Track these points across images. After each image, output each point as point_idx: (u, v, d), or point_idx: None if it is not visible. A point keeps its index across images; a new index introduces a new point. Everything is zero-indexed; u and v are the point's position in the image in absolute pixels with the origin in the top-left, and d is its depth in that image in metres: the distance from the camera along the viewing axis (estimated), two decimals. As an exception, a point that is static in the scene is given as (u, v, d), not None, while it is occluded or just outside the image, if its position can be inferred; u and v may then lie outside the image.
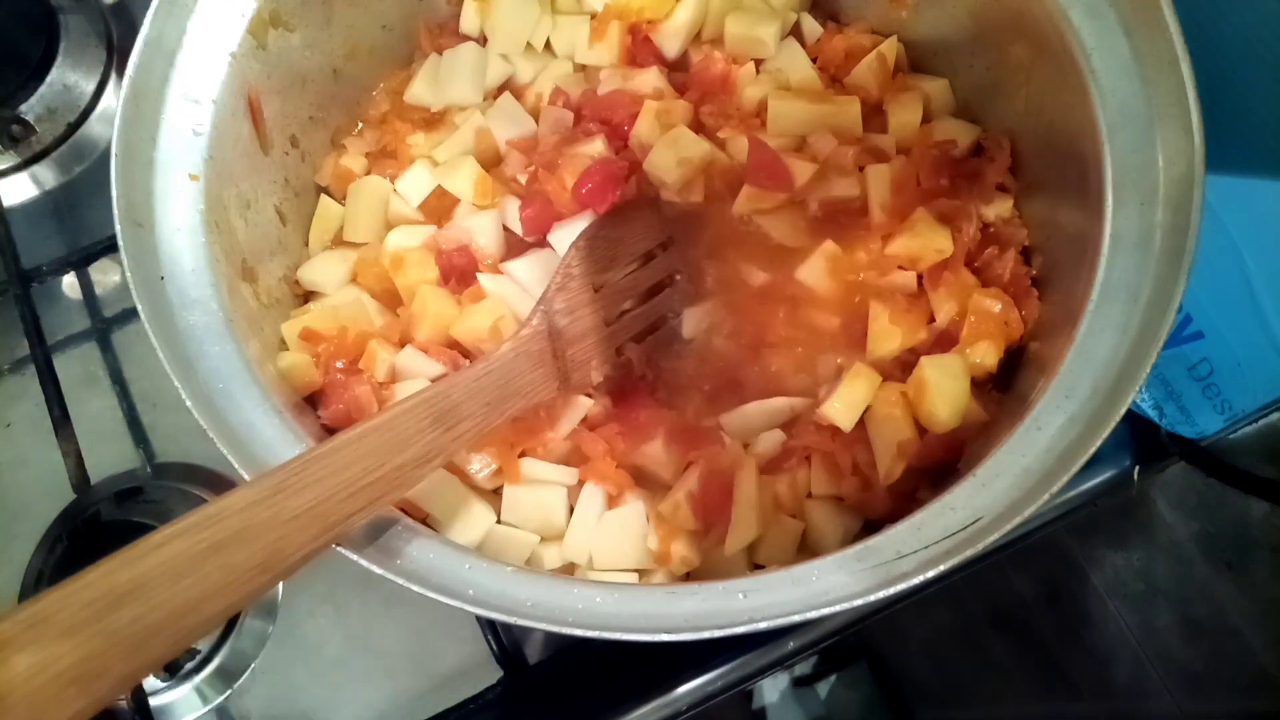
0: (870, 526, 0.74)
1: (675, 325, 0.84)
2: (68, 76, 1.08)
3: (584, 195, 0.80)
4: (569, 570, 0.75)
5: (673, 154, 0.81)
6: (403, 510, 0.64)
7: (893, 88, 0.86)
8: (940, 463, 0.73)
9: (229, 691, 0.86)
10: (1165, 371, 0.84)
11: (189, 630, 0.47)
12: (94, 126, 1.08)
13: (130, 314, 0.99)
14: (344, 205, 0.85)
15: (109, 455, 0.93)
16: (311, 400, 0.76)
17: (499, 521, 0.73)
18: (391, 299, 0.82)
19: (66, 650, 0.42)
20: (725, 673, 0.83)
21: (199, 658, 0.86)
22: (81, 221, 1.04)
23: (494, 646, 0.82)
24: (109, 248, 0.97)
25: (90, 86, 1.09)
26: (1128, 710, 1.22)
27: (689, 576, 0.73)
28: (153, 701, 0.82)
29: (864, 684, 1.83)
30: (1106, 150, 0.65)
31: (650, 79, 0.86)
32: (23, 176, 1.06)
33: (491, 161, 0.87)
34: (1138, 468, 0.88)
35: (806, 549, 0.74)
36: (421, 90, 0.89)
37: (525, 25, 0.88)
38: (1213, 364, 0.81)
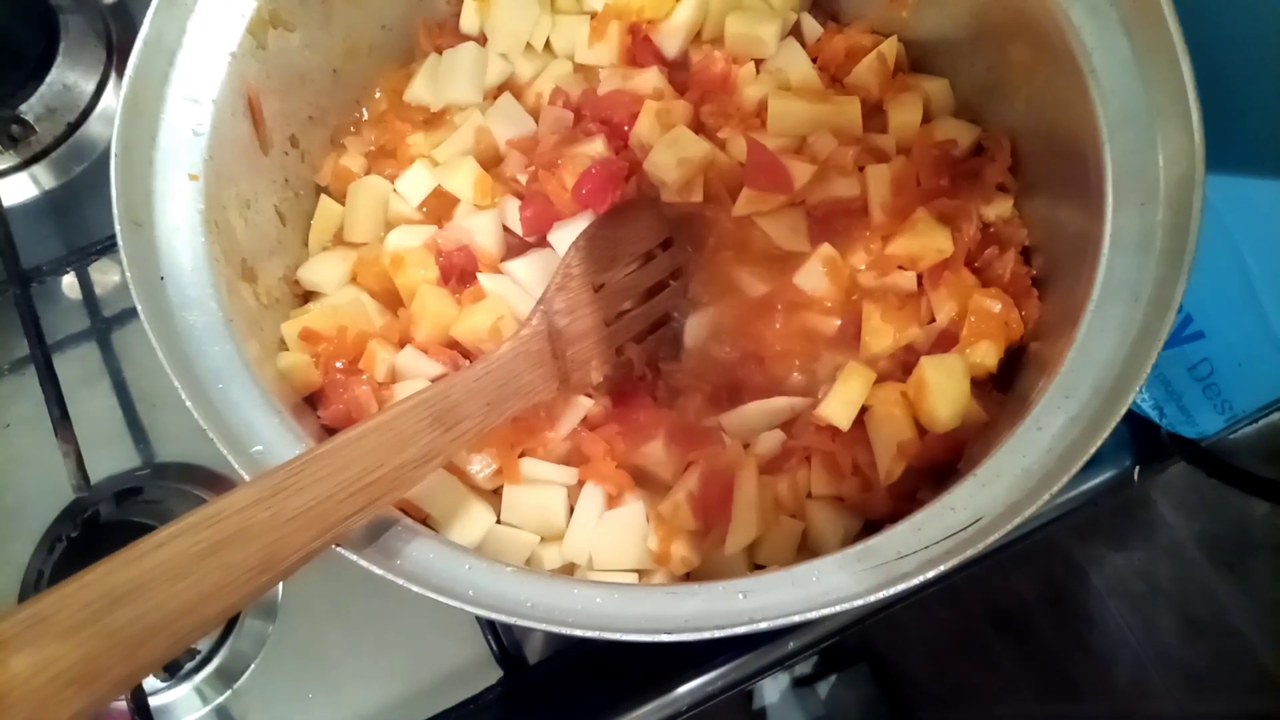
0: (870, 527, 0.74)
1: (676, 326, 0.84)
2: (67, 76, 1.08)
3: (584, 195, 0.80)
4: (569, 570, 0.75)
5: (673, 154, 0.81)
6: (403, 510, 0.64)
7: (893, 88, 0.86)
8: (940, 463, 0.73)
9: (229, 691, 0.86)
10: (1166, 371, 0.84)
11: (188, 630, 0.47)
12: (94, 126, 1.08)
13: (130, 314, 0.99)
14: (344, 205, 0.85)
15: (109, 455, 0.93)
16: (311, 400, 0.76)
17: (499, 522, 0.73)
18: (391, 299, 0.82)
19: (66, 650, 0.42)
20: (725, 673, 0.83)
21: (199, 658, 0.86)
22: (81, 221, 1.03)
23: (494, 646, 0.82)
24: (109, 248, 0.97)
25: (90, 86, 1.09)
26: (1128, 710, 1.22)
27: (689, 577, 0.73)
28: (153, 701, 0.82)
29: (864, 684, 1.83)
30: (1107, 150, 0.65)
31: (650, 79, 0.86)
32: (22, 176, 1.06)
33: (491, 161, 0.87)
34: (1138, 468, 0.88)
35: (806, 549, 0.74)
36: (421, 90, 0.89)
37: (525, 25, 0.88)
38: (1213, 364, 0.81)
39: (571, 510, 0.75)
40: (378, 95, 0.91)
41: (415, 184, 0.84)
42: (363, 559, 0.56)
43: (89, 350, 0.98)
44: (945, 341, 0.76)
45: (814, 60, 0.88)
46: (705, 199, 0.83)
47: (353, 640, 0.87)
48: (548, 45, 0.90)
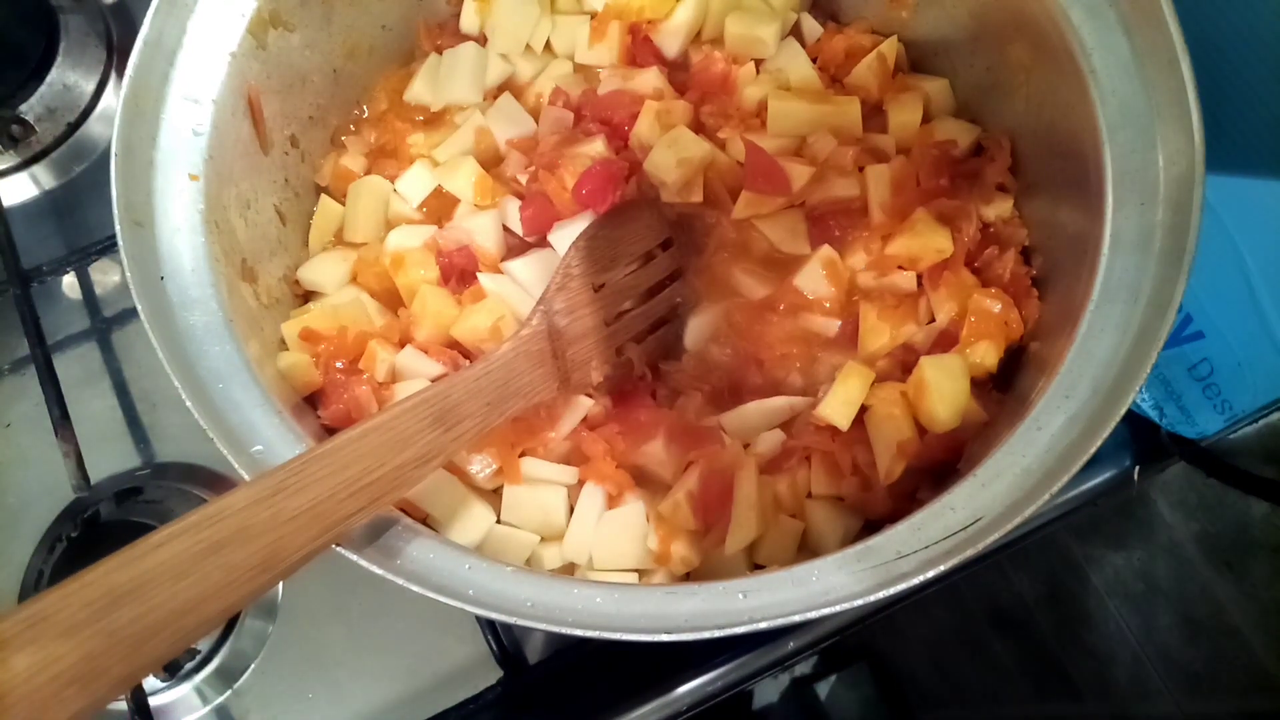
0: (870, 526, 0.74)
1: (676, 327, 0.84)
2: (68, 76, 1.08)
3: (584, 195, 0.80)
4: (569, 570, 0.75)
5: (673, 154, 0.81)
6: (403, 510, 0.64)
7: (893, 88, 0.86)
8: (940, 463, 0.73)
9: (229, 691, 0.86)
10: (1165, 371, 0.84)
11: (189, 630, 0.47)
12: (94, 126, 1.08)
13: (130, 314, 0.99)
14: (344, 205, 0.85)
15: (109, 455, 0.93)
16: (311, 400, 0.76)
17: (499, 521, 0.73)
18: (391, 299, 0.82)
19: (66, 650, 0.42)
20: (725, 673, 0.83)
21: (199, 658, 0.86)
22: (81, 221, 1.04)
23: (494, 646, 0.82)
24: (109, 248, 0.97)
25: (90, 86, 1.09)
26: (1128, 711, 1.22)
27: (689, 576, 0.73)
28: (153, 701, 0.82)
29: (864, 684, 1.83)
30: (1106, 150, 0.65)
31: (650, 79, 0.86)
32: (23, 176, 1.06)
33: (491, 161, 0.87)
34: (1138, 468, 0.88)
35: (806, 549, 0.74)
36: (421, 90, 0.89)
37: (525, 25, 0.88)
38: (1213, 364, 0.81)
39: (571, 510, 0.75)
40: (378, 95, 0.91)
41: (415, 184, 0.84)
42: (363, 559, 0.56)
43: (89, 350, 0.98)
44: (945, 341, 0.76)
45: (814, 60, 0.88)
46: (705, 199, 0.83)
47: (353, 640, 0.87)
48: (548, 45, 0.91)
